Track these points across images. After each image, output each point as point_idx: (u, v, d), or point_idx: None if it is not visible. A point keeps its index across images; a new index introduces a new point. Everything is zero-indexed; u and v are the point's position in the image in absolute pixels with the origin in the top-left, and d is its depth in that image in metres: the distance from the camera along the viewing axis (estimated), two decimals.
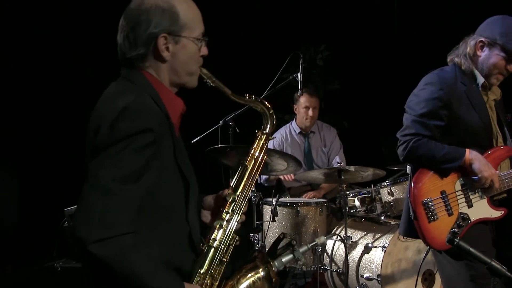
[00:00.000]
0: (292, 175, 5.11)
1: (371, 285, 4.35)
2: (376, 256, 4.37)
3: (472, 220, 2.93)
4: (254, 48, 6.59)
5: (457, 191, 2.94)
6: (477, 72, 2.99)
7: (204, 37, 1.97)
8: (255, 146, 2.11)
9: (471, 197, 2.96)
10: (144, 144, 1.74)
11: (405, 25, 7.27)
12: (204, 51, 1.99)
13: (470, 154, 2.89)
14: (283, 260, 2.11)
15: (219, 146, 4.25)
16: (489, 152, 2.98)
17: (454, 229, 2.88)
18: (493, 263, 2.17)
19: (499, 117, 3.08)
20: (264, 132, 2.13)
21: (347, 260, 4.44)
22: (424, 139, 2.91)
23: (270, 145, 5.26)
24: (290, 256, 2.12)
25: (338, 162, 4.76)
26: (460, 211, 2.93)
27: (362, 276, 4.41)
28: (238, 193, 2.04)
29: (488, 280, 2.23)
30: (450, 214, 2.92)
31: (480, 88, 3.00)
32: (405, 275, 4.37)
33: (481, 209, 2.97)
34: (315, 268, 4.64)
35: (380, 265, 4.29)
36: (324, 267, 4.64)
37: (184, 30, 1.90)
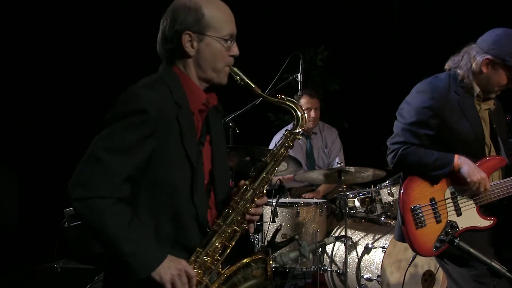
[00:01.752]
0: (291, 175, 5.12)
1: (371, 285, 4.35)
2: (376, 256, 4.37)
3: (460, 229, 2.93)
4: (254, 49, 6.59)
5: (447, 199, 2.95)
6: (475, 85, 2.97)
7: (231, 38, 2.09)
8: (280, 144, 2.21)
9: (461, 205, 2.96)
10: (135, 123, 1.93)
11: (405, 26, 7.28)
12: (234, 51, 2.11)
13: (459, 160, 2.88)
14: (290, 255, 2.17)
15: None
16: (484, 160, 2.96)
17: (442, 237, 2.89)
18: (493, 263, 2.17)
19: (492, 128, 3.05)
20: (293, 132, 2.22)
21: (347, 260, 4.44)
22: (412, 147, 2.91)
23: (272, 146, 5.27)
24: (297, 252, 2.19)
25: (338, 163, 4.76)
26: (448, 218, 2.93)
27: (362, 276, 4.41)
28: (252, 184, 2.14)
29: (489, 279, 2.22)
30: (438, 222, 2.92)
31: (474, 98, 2.98)
32: (405, 275, 4.37)
33: (470, 218, 2.96)
34: (315, 269, 4.64)
35: (380, 265, 4.29)
36: (324, 267, 4.64)
37: (208, 29, 2.04)
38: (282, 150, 2.19)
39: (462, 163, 2.88)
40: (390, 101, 6.78)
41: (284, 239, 4.37)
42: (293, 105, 2.21)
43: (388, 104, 6.86)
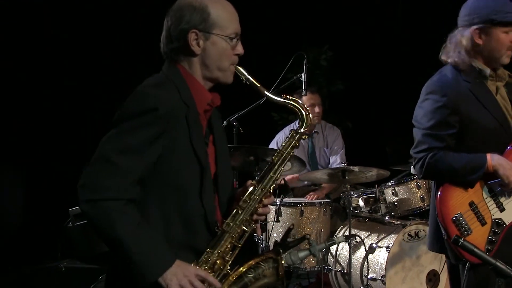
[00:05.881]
0: (296, 175, 5.11)
1: (375, 285, 4.35)
2: (381, 256, 4.36)
3: (507, 224, 2.76)
4: (258, 49, 6.59)
5: (486, 198, 2.76)
6: (479, 64, 2.81)
7: (236, 37, 2.09)
8: (285, 143, 2.20)
9: (501, 200, 2.77)
10: (145, 123, 1.92)
11: (408, 24, 7.26)
12: (239, 49, 2.12)
13: (492, 160, 2.71)
14: (300, 255, 2.15)
15: None
16: (509, 150, 2.79)
17: (490, 237, 2.72)
18: (497, 263, 2.16)
19: None
20: (298, 131, 2.19)
21: (351, 260, 4.44)
22: (440, 153, 2.74)
23: (274, 146, 5.27)
24: (307, 252, 2.17)
25: (342, 163, 4.75)
26: (492, 217, 2.75)
27: (366, 276, 4.40)
28: (260, 184, 2.13)
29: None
30: (483, 224, 2.73)
31: (487, 80, 2.82)
32: (410, 275, 4.37)
33: None
34: (319, 269, 4.64)
35: (384, 265, 4.28)
36: (328, 267, 4.63)
37: (214, 28, 2.05)
38: (288, 150, 2.17)
39: (496, 164, 2.70)
40: (394, 101, 6.80)
41: (294, 239, 4.37)
42: (297, 105, 2.19)
43: (392, 104, 6.88)
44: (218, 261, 2.03)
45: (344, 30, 7.27)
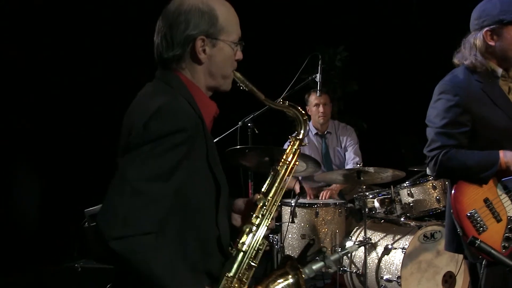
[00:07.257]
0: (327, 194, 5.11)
1: (390, 286, 4.33)
2: (396, 257, 4.35)
3: None
4: (273, 49, 6.60)
5: (501, 195, 2.77)
6: (492, 64, 2.84)
7: (241, 42, 1.99)
8: (287, 151, 2.12)
9: None
10: (175, 144, 1.74)
11: (423, 25, 7.23)
12: (239, 55, 2.00)
13: (505, 157, 2.73)
14: (314, 267, 2.11)
15: (238, 147, 4.26)
16: None
17: (507, 235, 2.72)
18: None
19: None
20: (298, 138, 2.14)
21: (367, 261, 4.43)
22: (452, 150, 2.76)
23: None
24: (321, 263, 2.12)
25: (357, 163, 4.74)
26: (508, 214, 2.75)
27: (381, 277, 4.39)
28: (269, 197, 2.04)
29: None
30: (498, 221, 2.74)
31: (500, 79, 2.84)
32: (425, 276, 4.35)
33: None
34: (334, 270, 4.63)
35: (400, 266, 4.27)
36: (344, 268, 4.62)
37: (222, 33, 1.92)
38: (293, 160, 2.11)
39: (509, 160, 2.72)
40: (409, 101, 6.77)
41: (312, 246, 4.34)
42: (295, 111, 2.14)
43: (407, 104, 6.84)
44: (236, 285, 1.91)
45: (359, 31, 7.26)
